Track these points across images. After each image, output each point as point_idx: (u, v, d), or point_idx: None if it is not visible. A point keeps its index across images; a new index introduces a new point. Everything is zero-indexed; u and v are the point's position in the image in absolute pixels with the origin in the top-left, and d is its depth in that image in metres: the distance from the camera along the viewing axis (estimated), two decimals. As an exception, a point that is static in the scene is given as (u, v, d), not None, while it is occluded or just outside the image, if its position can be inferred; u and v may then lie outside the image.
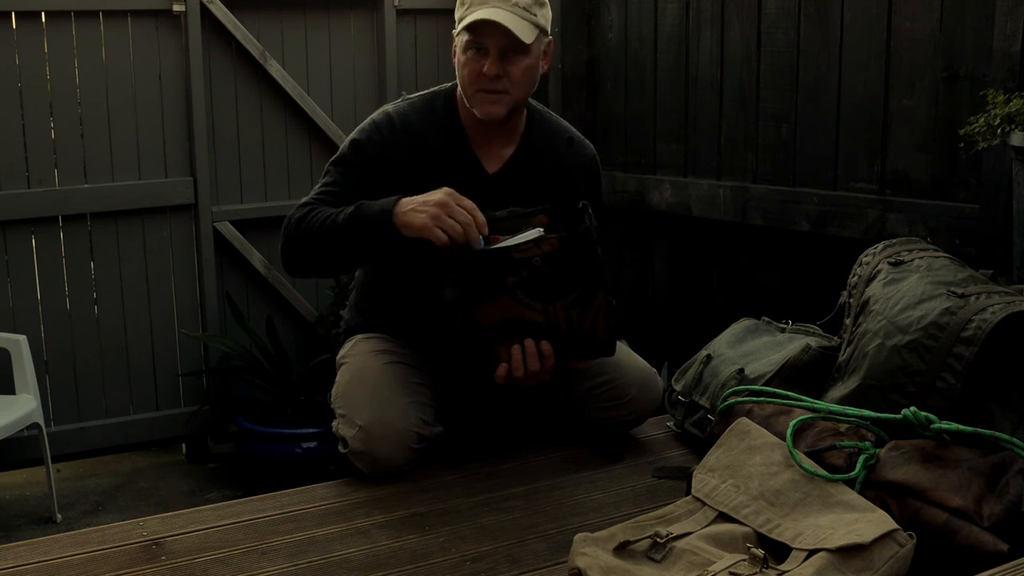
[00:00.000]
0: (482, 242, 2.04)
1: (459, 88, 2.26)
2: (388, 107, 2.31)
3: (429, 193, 2.06)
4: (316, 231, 2.15)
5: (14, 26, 3.61)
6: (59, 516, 3.55)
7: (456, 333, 2.05)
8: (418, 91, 2.38)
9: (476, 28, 2.13)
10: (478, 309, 2.01)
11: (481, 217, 2.03)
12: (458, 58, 2.21)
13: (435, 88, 2.35)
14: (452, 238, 2.00)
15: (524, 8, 2.15)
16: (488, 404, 2.31)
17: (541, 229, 2.05)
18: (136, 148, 3.86)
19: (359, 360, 2.29)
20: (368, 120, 2.29)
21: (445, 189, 2.06)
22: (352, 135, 2.29)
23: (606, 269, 2.76)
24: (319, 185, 2.27)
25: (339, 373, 2.32)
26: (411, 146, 2.24)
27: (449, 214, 2.01)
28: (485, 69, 2.15)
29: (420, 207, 2.04)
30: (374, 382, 2.21)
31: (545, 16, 2.21)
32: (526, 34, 2.14)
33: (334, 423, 2.22)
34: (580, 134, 2.43)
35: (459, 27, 2.17)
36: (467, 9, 2.17)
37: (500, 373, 2.06)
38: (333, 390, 2.29)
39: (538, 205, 2.14)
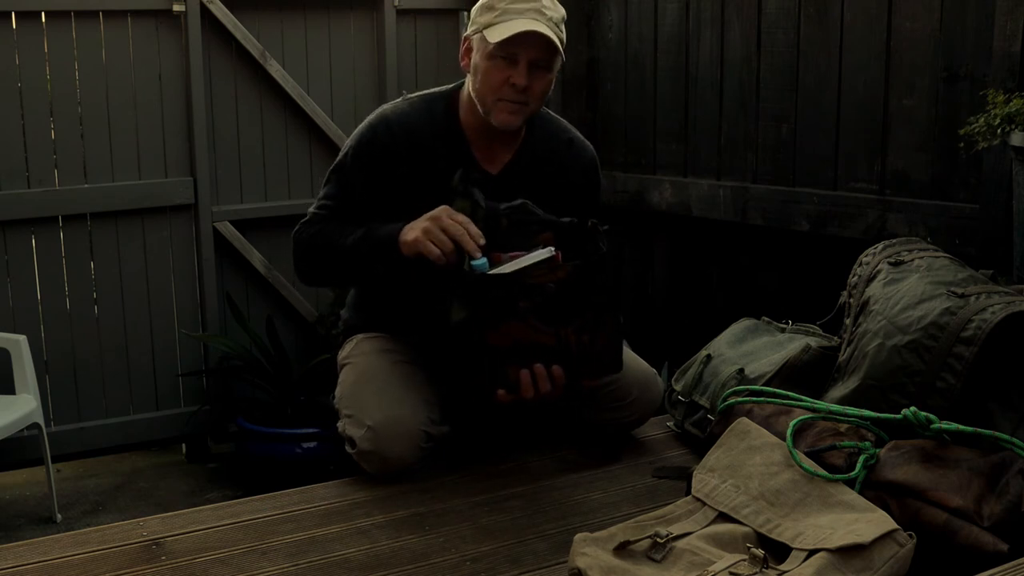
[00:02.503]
0: (485, 263, 2.02)
1: (464, 91, 2.25)
2: (387, 107, 2.31)
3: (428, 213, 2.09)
4: (326, 252, 2.24)
5: (14, 26, 3.61)
6: (59, 516, 3.55)
7: (463, 354, 2.05)
8: (418, 91, 2.37)
9: (515, 39, 2.11)
10: (488, 332, 2.00)
11: (475, 229, 2.04)
12: (477, 63, 2.18)
13: (435, 89, 2.34)
14: (444, 252, 2.02)
15: (556, 24, 2.16)
16: (491, 406, 2.32)
17: (552, 248, 2.04)
18: (136, 148, 3.86)
19: (364, 359, 2.29)
20: (365, 124, 2.29)
21: (442, 207, 2.08)
22: (349, 141, 2.30)
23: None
24: (321, 194, 2.31)
25: (343, 373, 2.31)
26: (410, 147, 2.24)
27: (441, 227, 2.04)
28: (514, 80, 2.14)
29: (414, 225, 2.08)
30: (382, 381, 2.21)
31: (564, 33, 2.22)
32: (559, 49, 2.16)
33: (340, 424, 2.22)
34: (580, 135, 2.42)
35: (494, 35, 2.13)
36: (498, 16, 2.14)
37: (501, 395, 2.06)
38: (337, 390, 2.28)
39: (542, 205, 2.13)
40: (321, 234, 2.25)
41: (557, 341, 2.03)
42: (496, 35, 2.13)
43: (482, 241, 2.03)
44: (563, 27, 2.19)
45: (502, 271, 2.01)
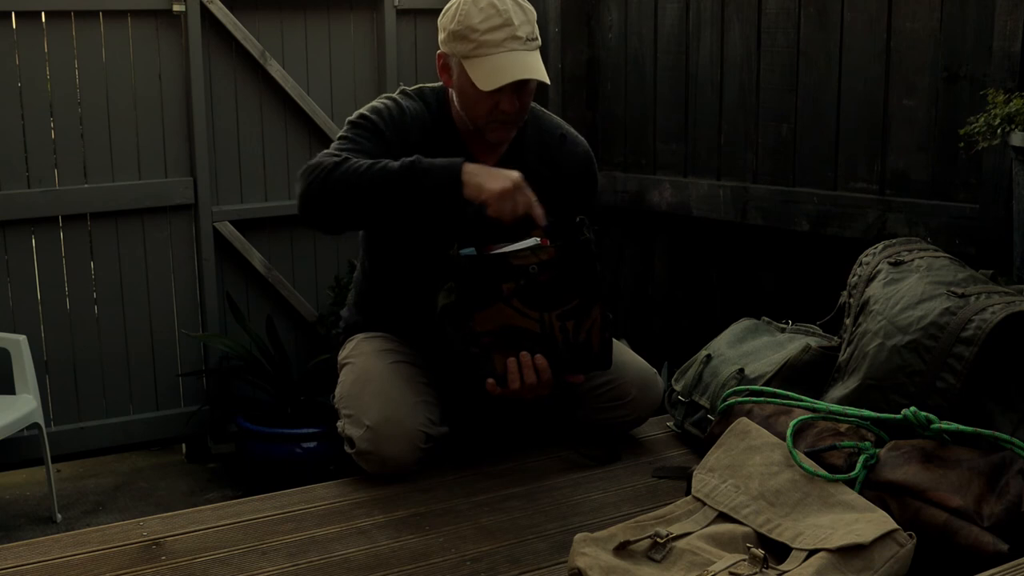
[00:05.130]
0: (473, 252, 2.04)
1: (452, 96, 2.24)
2: (392, 94, 2.30)
3: (503, 170, 2.06)
4: (358, 178, 2.03)
5: (14, 26, 3.61)
6: (59, 516, 3.55)
7: (451, 339, 2.06)
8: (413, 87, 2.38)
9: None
10: (474, 315, 2.02)
11: (540, 210, 2.05)
12: (461, 87, 2.16)
13: (429, 85, 2.33)
14: (514, 217, 2.03)
15: (533, 40, 2.13)
16: (489, 406, 2.32)
17: (539, 238, 2.06)
18: (136, 148, 3.86)
19: (364, 360, 2.29)
20: (378, 100, 2.27)
21: (516, 174, 2.05)
22: (362, 109, 2.25)
23: (605, 273, 2.76)
24: (338, 142, 2.17)
25: (343, 373, 2.31)
26: (410, 133, 2.22)
27: (522, 195, 2.04)
28: (504, 106, 2.13)
29: (500, 176, 2.03)
30: (381, 381, 2.21)
31: (537, 30, 2.17)
32: (543, 70, 2.12)
33: (339, 423, 2.22)
34: (572, 129, 2.40)
35: (477, 77, 2.09)
36: (475, 49, 2.10)
37: (489, 384, 2.06)
38: (337, 390, 2.29)
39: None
40: (349, 163, 2.06)
41: (541, 327, 2.05)
42: (479, 78, 2.10)
43: (543, 222, 2.06)
44: (537, 31, 2.15)
45: (487, 254, 2.04)
